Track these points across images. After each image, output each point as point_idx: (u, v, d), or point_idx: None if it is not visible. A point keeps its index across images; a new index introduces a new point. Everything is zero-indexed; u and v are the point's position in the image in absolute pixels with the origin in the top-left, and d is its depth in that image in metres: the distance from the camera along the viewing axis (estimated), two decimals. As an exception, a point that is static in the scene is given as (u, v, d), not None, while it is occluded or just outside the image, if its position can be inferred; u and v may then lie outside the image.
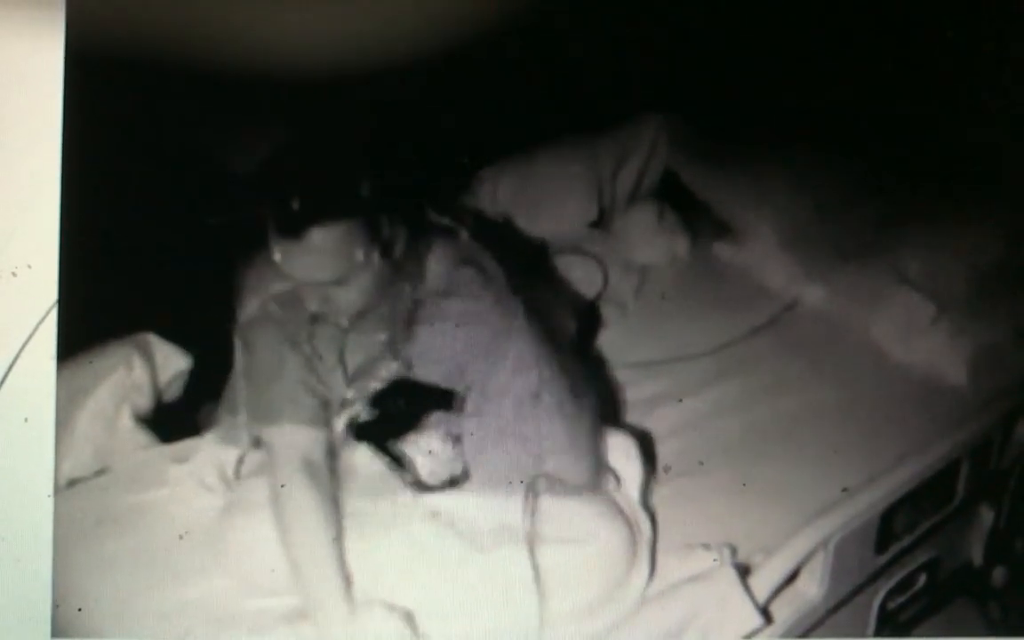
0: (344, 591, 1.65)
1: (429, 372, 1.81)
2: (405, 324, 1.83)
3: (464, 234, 1.95)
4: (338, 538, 1.69)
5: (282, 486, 1.70)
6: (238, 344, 1.85)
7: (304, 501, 1.69)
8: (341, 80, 2.10)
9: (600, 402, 1.89)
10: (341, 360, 1.82)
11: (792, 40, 2.44)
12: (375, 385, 1.83)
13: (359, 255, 1.74)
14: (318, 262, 1.72)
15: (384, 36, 2.12)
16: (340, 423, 1.81)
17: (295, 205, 1.69)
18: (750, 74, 2.48)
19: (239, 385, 1.84)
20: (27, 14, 1.70)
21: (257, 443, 1.81)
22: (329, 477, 1.74)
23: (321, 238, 1.70)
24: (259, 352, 1.81)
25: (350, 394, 1.82)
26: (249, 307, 1.86)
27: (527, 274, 2.05)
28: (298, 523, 1.68)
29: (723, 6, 2.40)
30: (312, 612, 1.65)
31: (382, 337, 1.83)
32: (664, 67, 2.53)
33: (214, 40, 2.01)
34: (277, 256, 1.72)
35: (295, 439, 1.74)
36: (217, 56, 2.01)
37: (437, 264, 1.86)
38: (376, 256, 1.76)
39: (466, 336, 1.80)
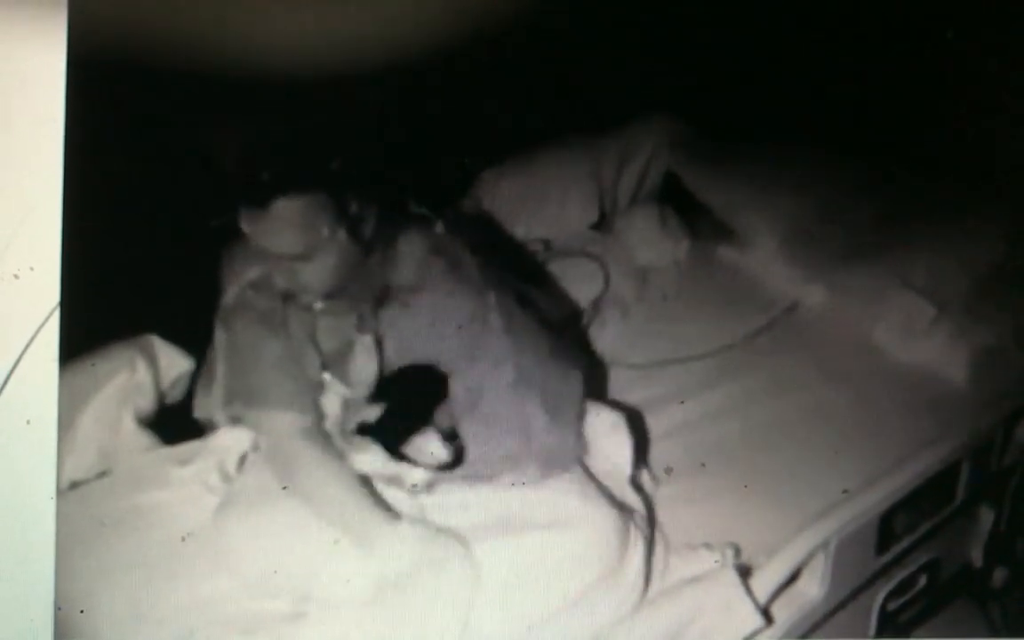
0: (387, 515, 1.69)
1: (401, 360, 1.83)
2: (374, 308, 1.86)
3: (439, 225, 1.96)
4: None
5: (275, 465, 1.74)
6: (218, 329, 1.88)
7: (312, 465, 1.73)
8: (342, 80, 2.10)
9: (587, 378, 1.91)
10: (313, 343, 1.84)
11: (794, 43, 2.44)
12: (352, 370, 1.84)
13: (324, 230, 1.78)
14: (282, 233, 1.76)
15: (386, 36, 2.12)
16: (328, 408, 1.82)
17: (264, 176, 1.74)
18: (751, 76, 2.48)
19: (219, 367, 1.86)
20: (29, 17, 1.70)
21: (234, 421, 1.83)
22: (326, 443, 1.77)
23: (286, 209, 1.74)
24: (238, 337, 1.84)
25: (326, 377, 1.84)
26: (228, 294, 1.89)
27: (504, 268, 2.05)
28: (316, 487, 1.71)
29: (724, 9, 2.40)
30: (368, 545, 1.67)
31: (353, 320, 1.84)
32: (666, 69, 2.53)
33: (216, 43, 2.01)
34: (245, 226, 1.77)
35: (280, 422, 1.77)
36: (219, 59, 2.01)
37: (409, 251, 1.88)
38: (342, 233, 1.79)
39: (437, 329, 1.82)
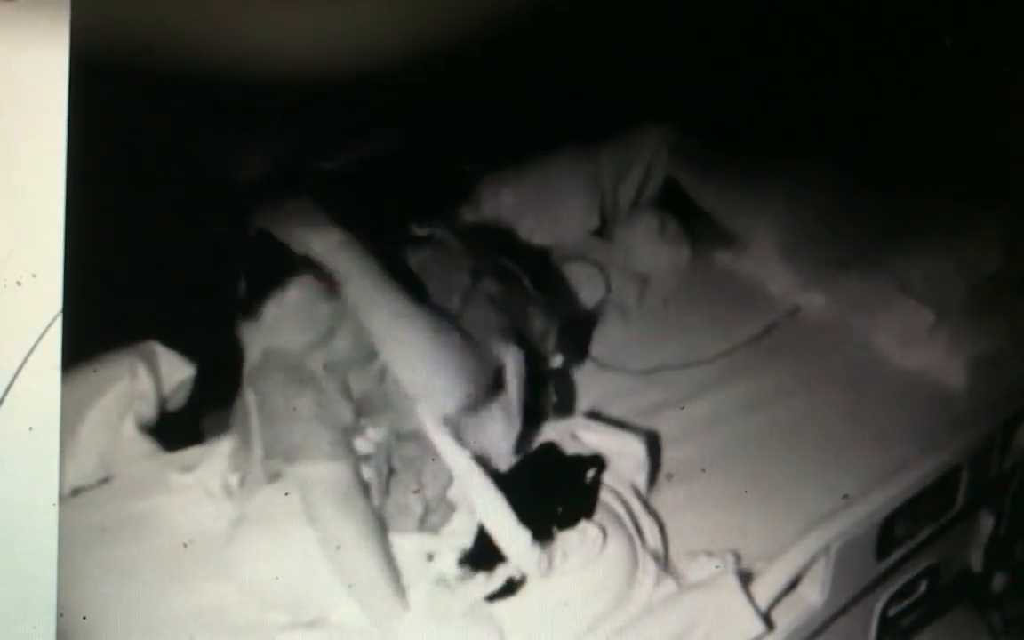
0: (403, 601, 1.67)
1: None
2: None
3: (439, 232, 1.97)
4: (386, 549, 1.70)
5: (318, 519, 1.72)
6: (247, 389, 1.85)
7: (343, 526, 1.70)
8: (343, 86, 2.10)
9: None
10: (345, 389, 1.82)
11: (793, 51, 2.45)
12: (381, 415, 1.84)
13: (323, 307, 1.78)
14: (285, 332, 1.76)
15: (384, 45, 2.12)
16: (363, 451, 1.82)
17: (241, 290, 1.75)
18: (751, 84, 2.49)
19: (253, 426, 1.83)
20: (31, 23, 1.70)
21: (274, 477, 1.80)
22: (364, 496, 1.75)
23: (276, 309, 1.75)
24: (269, 396, 1.81)
25: (361, 422, 1.82)
26: (253, 354, 1.85)
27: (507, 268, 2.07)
28: (343, 547, 1.69)
29: (724, 16, 2.41)
30: (379, 626, 1.66)
31: (380, 362, 1.83)
32: (666, 76, 2.53)
33: (218, 48, 2.01)
34: (254, 345, 1.77)
35: (319, 474, 1.74)
36: (221, 64, 2.01)
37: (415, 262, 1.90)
38: (342, 305, 1.78)
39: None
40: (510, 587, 1.69)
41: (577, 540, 1.72)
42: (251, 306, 1.75)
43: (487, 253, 1.99)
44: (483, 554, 1.71)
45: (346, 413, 1.80)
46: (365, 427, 1.82)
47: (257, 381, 1.82)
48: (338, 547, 1.68)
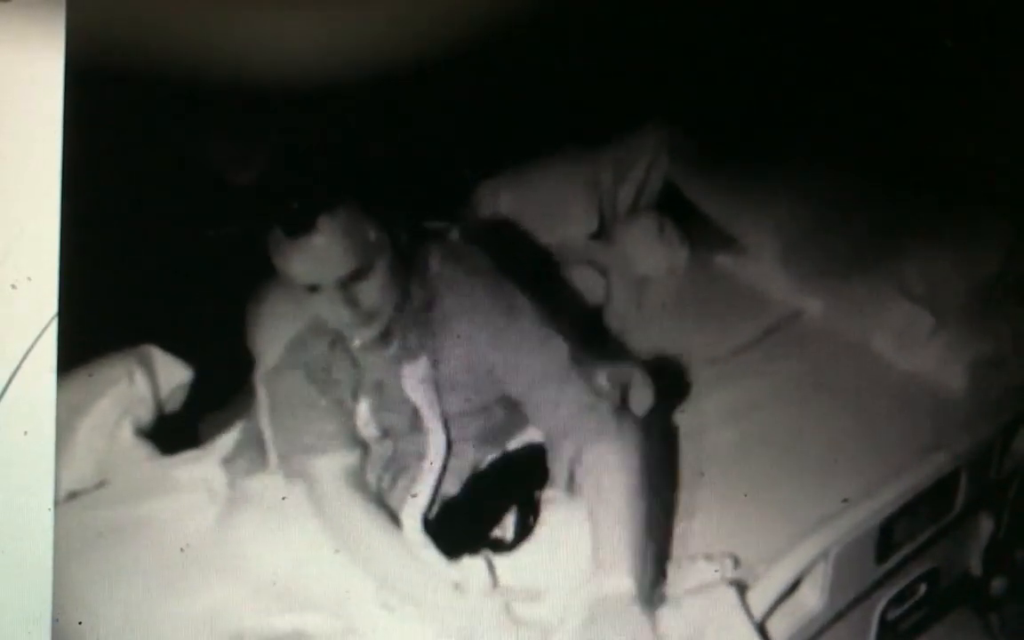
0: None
1: (456, 379, 1.81)
2: (419, 333, 1.81)
3: (455, 233, 1.94)
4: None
5: (329, 511, 1.72)
6: (262, 392, 1.83)
7: (356, 514, 1.71)
8: (340, 89, 2.10)
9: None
10: (357, 383, 1.81)
11: (792, 53, 2.44)
12: (393, 403, 1.82)
13: (371, 234, 1.69)
14: (331, 253, 1.65)
15: (383, 47, 2.12)
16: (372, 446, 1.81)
17: (295, 205, 1.65)
18: (750, 86, 2.48)
19: (266, 428, 1.83)
20: (27, 26, 1.70)
21: (290, 477, 1.80)
22: (371, 488, 1.76)
23: (330, 224, 1.64)
24: (283, 396, 1.80)
25: (370, 413, 1.81)
26: (269, 355, 1.83)
27: (520, 267, 2.05)
28: (356, 537, 1.69)
29: (724, 18, 2.41)
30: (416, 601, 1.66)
31: (393, 351, 1.81)
32: (665, 79, 2.53)
33: (214, 50, 2.01)
34: (292, 264, 1.66)
35: (329, 466, 1.74)
36: (217, 66, 2.00)
37: (427, 264, 1.84)
38: (387, 237, 1.71)
39: (485, 335, 1.78)
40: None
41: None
42: (304, 219, 1.65)
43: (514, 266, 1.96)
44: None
45: (360, 408, 1.80)
46: (371, 421, 1.81)
47: (271, 381, 1.81)
48: (366, 544, 1.69)
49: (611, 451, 1.71)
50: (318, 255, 1.65)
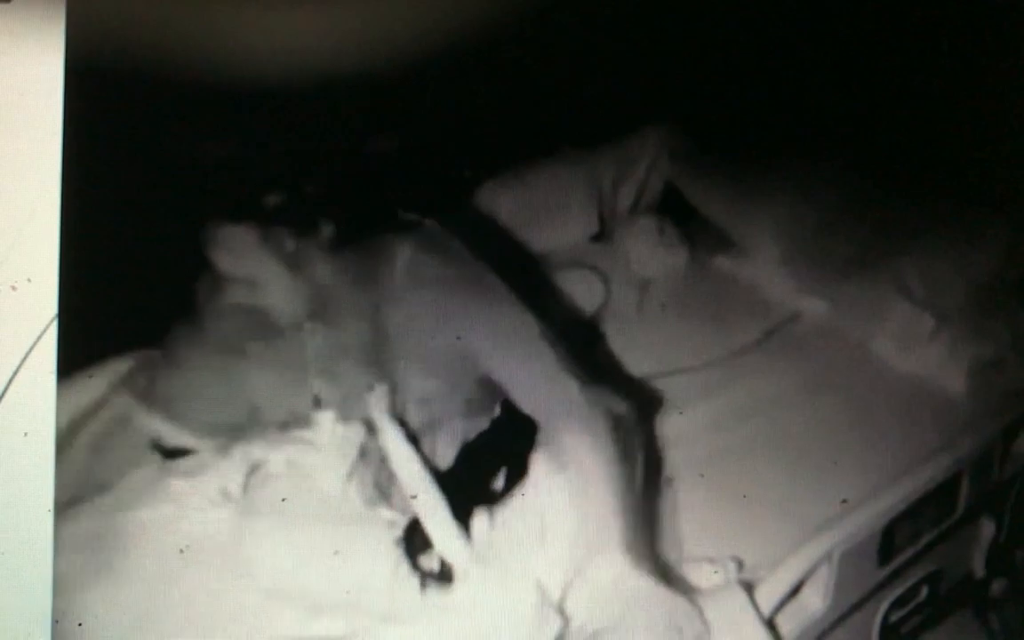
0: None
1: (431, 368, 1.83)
2: (377, 318, 1.86)
3: (429, 223, 1.97)
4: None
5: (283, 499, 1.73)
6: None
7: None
8: (341, 90, 2.10)
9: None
10: (305, 364, 1.84)
11: (793, 56, 2.45)
12: (348, 382, 1.84)
13: (265, 255, 1.86)
14: (236, 259, 1.84)
15: (383, 49, 2.12)
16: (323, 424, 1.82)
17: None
18: (751, 89, 2.49)
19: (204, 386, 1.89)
20: (27, 27, 1.69)
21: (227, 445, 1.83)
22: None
23: (230, 236, 1.85)
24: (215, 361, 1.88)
25: (320, 393, 1.84)
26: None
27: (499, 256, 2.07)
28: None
29: (724, 21, 2.41)
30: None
31: (349, 335, 1.84)
32: (665, 81, 2.54)
33: (215, 50, 2.01)
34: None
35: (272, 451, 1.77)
36: (218, 66, 2.00)
37: (405, 254, 1.90)
38: (291, 255, 1.87)
39: (447, 310, 1.83)
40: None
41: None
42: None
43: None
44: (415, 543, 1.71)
45: (308, 387, 1.84)
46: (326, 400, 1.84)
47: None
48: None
49: (584, 429, 1.73)
50: (220, 256, 1.86)
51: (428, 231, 1.97)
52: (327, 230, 1.98)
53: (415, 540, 1.71)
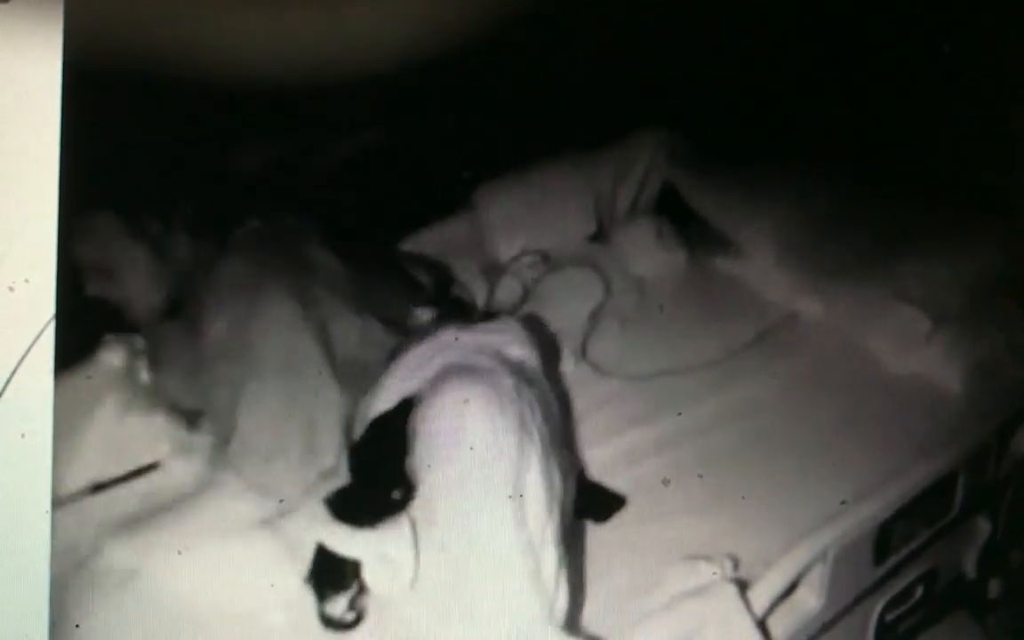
0: None
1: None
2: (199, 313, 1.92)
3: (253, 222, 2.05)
4: None
5: None
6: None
7: None
8: (338, 91, 2.10)
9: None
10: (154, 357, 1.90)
11: (791, 58, 2.45)
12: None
13: (114, 248, 1.91)
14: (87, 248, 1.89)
15: (382, 50, 2.12)
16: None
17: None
18: (749, 91, 2.49)
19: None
20: (25, 27, 1.69)
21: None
22: None
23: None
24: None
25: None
26: None
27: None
28: None
29: (723, 23, 2.42)
30: None
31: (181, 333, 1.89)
32: (664, 82, 2.54)
33: (213, 50, 2.01)
34: None
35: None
36: (216, 66, 2.00)
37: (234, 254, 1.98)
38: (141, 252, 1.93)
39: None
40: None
41: None
42: None
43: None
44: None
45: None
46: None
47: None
48: None
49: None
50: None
51: (254, 229, 2.02)
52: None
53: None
